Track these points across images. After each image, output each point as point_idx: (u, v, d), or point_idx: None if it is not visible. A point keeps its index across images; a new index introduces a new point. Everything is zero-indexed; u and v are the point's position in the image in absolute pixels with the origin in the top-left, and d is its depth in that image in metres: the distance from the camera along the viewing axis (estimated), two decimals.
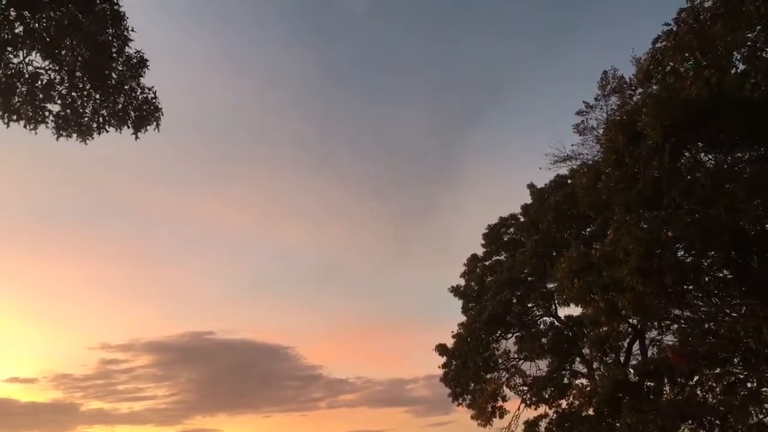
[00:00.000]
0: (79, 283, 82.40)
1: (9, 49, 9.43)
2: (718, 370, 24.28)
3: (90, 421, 65.88)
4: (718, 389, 24.96)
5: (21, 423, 61.81)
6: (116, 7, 9.66)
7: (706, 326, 22.86)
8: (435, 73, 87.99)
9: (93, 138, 9.96)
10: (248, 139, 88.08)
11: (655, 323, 27.37)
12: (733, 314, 21.17)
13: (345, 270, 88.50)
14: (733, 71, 18.82)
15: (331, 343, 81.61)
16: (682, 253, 20.56)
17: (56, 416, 63.82)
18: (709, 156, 20.30)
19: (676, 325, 26.15)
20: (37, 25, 9.47)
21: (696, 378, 25.65)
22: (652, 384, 27.59)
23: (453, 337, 34.29)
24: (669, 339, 27.91)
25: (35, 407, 63.82)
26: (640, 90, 23.04)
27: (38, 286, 79.53)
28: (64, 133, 9.76)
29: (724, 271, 20.91)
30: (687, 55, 19.46)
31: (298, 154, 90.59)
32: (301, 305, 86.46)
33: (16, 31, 9.44)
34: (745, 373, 23.51)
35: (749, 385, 23.59)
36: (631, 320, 27.85)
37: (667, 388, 27.50)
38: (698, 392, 25.94)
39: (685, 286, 20.85)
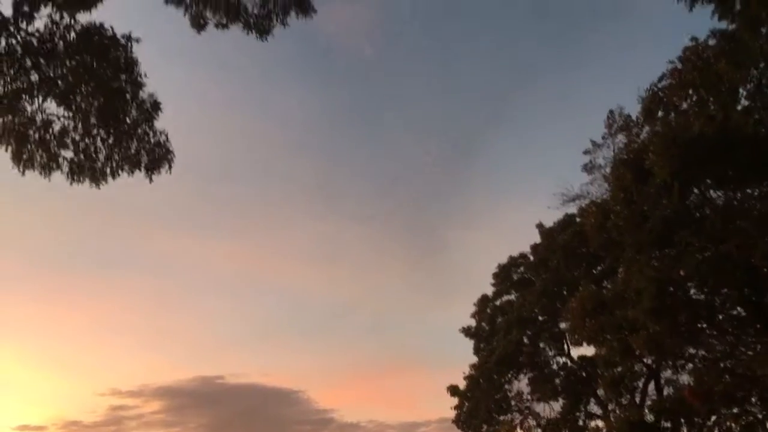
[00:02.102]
0: (88, 329, 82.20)
1: (24, 96, 9.63)
2: (735, 410, 23.84)
3: None
4: (736, 429, 24.48)
5: None
6: (130, 54, 9.88)
7: (722, 365, 22.54)
8: (441, 112, 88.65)
9: (106, 182, 10.11)
10: (256, 183, 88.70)
11: (670, 362, 27.03)
12: (749, 352, 20.90)
13: (355, 312, 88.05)
14: (737, 108, 18.95)
15: (342, 386, 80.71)
16: (694, 291, 20.42)
17: None
18: (718, 193, 20.30)
19: (691, 364, 25.80)
20: (52, 73, 9.69)
21: (713, 418, 25.17)
22: (668, 425, 27.09)
23: (465, 378, 33.92)
24: (684, 378, 27.53)
25: None
26: (646, 128, 23.17)
27: (48, 332, 79.43)
28: (78, 179, 9.92)
29: (738, 309, 20.73)
30: (690, 92, 19.64)
31: (306, 197, 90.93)
32: (312, 348, 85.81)
33: (32, 79, 9.66)
34: (764, 412, 23.08)
35: None
36: (645, 360, 27.50)
37: (685, 429, 26.99)
38: None
39: (698, 325, 20.66)
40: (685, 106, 20.06)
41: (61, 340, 79.80)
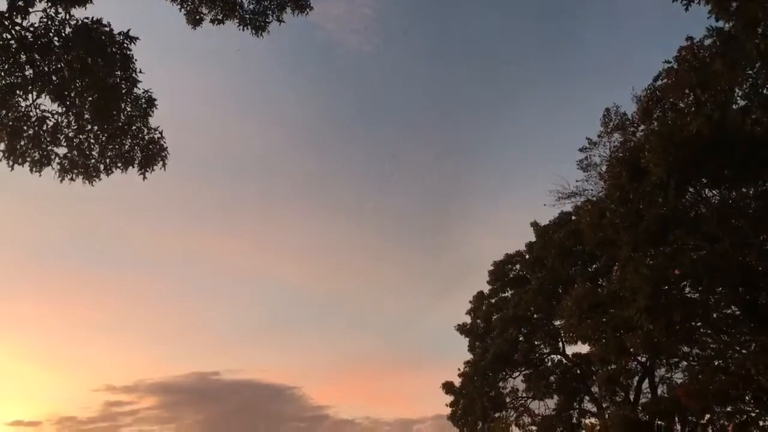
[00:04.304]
0: (83, 324, 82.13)
1: (18, 92, 9.56)
2: (729, 408, 23.90)
3: None
4: (729, 427, 24.54)
5: None
6: (125, 51, 9.82)
7: (716, 363, 22.58)
8: (439, 109, 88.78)
9: (99, 179, 10.04)
10: (254, 180, 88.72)
11: (665, 361, 27.09)
12: (743, 351, 20.92)
13: (351, 310, 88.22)
14: (733, 107, 18.94)
15: (337, 382, 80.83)
16: (689, 290, 20.44)
17: None
18: (714, 192, 20.31)
19: (685, 363, 25.87)
20: (47, 68, 9.62)
21: (707, 416, 25.25)
22: (662, 423, 27.18)
23: (459, 375, 33.97)
24: (678, 376, 27.62)
25: None
26: (642, 127, 23.17)
27: (43, 328, 79.32)
28: (69, 176, 9.84)
29: (732, 308, 20.75)
30: (687, 91, 19.62)
31: (304, 193, 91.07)
32: (307, 345, 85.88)
33: (26, 74, 9.59)
34: (757, 411, 23.13)
35: (761, 423, 23.20)
36: (640, 358, 27.56)
37: (679, 427, 27.09)
38: (709, 430, 25.53)
39: (693, 324, 20.67)
40: (681, 105, 20.05)
41: (55, 336, 79.76)
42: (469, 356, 34.40)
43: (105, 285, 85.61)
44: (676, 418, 26.91)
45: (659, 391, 29.14)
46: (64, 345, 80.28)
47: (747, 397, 22.83)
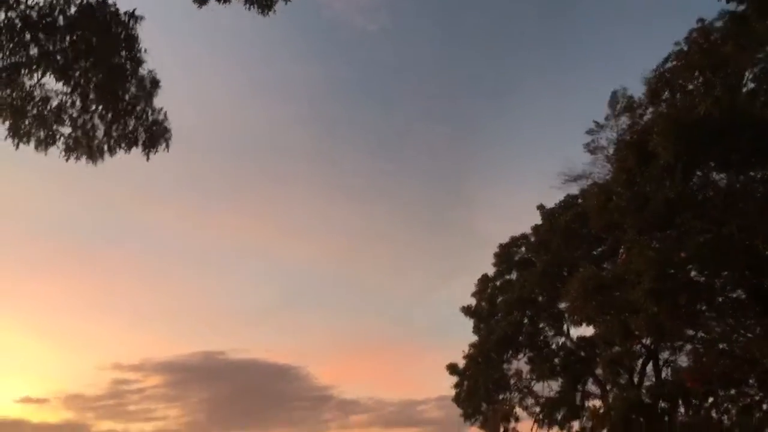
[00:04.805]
0: (90, 302, 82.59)
1: (23, 71, 9.54)
2: (733, 391, 23.98)
3: None
4: (733, 411, 24.63)
5: None
6: (130, 30, 9.77)
7: (721, 347, 22.61)
8: (445, 90, 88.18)
9: (103, 160, 10.06)
10: (260, 157, 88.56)
11: (669, 344, 27.13)
12: (748, 334, 20.94)
13: (356, 289, 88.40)
14: (743, 91, 18.79)
15: (342, 363, 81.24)
16: (694, 273, 20.42)
17: None
18: (721, 175, 20.21)
19: (689, 346, 25.89)
20: (51, 48, 9.58)
21: (711, 399, 25.31)
22: (666, 405, 27.26)
23: (464, 357, 34.08)
24: (683, 359, 27.64)
25: (47, 428, 63.71)
26: (650, 109, 23.03)
27: (51, 305, 79.82)
28: (74, 155, 9.87)
29: (738, 291, 20.74)
30: (696, 74, 19.47)
31: (308, 171, 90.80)
32: (313, 325, 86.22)
33: (31, 53, 9.56)
34: (761, 394, 23.20)
35: (765, 406, 23.28)
36: (644, 341, 27.59)
37: (682, 409, 27.16)
38: (713, 414, 25.60)
39: (698, 307, 20.67)
40: (690, 87, 19.90)
41: (63, 314, 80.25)
42: (473, 338, 34.50)
43: (112, 263, 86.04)
44: (680, 401, 26.96)
45: (663, 374, 29.18)
46: (71, 323, 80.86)
47: (751, 381, 22.90)
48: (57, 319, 78.67)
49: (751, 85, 18.69)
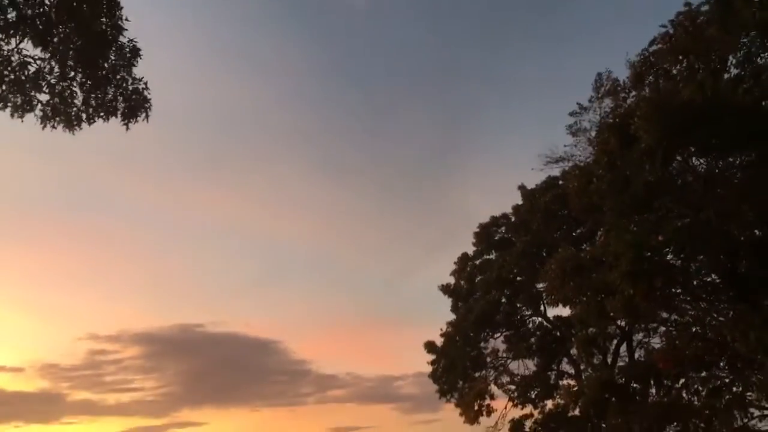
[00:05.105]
0: (68, 273, 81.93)
1: (1, 36, 9.29)
2: (704, 374, 24.40)
3: (76, 411, 65.54)
4: (703, 392, 25.08)
5: (6, 412, 61.36)
6: None
7: (694, 330, 22.97)
8: (433, 69, 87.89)
9: (81, 128, 9.87)
10: (242, 133, 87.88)
11: (643, 325, 27.51)
12: (721, 318, 21.26)
13: (336, 266, 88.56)
14: (726, 76, 18.88)
15: (320, 338, 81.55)
16: (671, 257, 20.64)
17: (42, 406, 63.44)
18: (701, 160, 20.37)
19: (663, 328, 26.28)
20: (30, 12, 9.34)
21: (682, 381, 25.75)
22: (638, 386, 27.71)
23: (441, 335, 34.31)
24: (656, 341, 28.06)
25: (21, 396, 63.43)
26: (633, 93, 23.08)
27: (27, 276, 79.02)
28: (51, 123, 9.67)
29: (713, 276, 21.01)
30: (681, 58, 19.52)
31: (294, 148, 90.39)
32: (292, 300, 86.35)
33: (9, 17, 9.31)
34: (731, 377, 23.64)
35: (734, 389, 23.72)
36: (619, 322, 27.96)
37: (654, 390, 27.62)
38: (684, 395, 26.07)
39: (673, 290, 20.93)
40: (674, 71, 19.95)
41: (40, 284, 79.53)
42: (451, 317, 34.73)
43: (89, 234, 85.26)
44: (652, 382, 27.42)
45: (636, 355, 29.65)
46: (47, 293, 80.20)
47: (722, 364, 23.32)
48: (33, 289, 77.93)
49: (735, 71, 18.79)
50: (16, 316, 71.48)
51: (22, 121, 9.48)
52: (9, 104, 9.36)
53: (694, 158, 20.27)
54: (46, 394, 63.51)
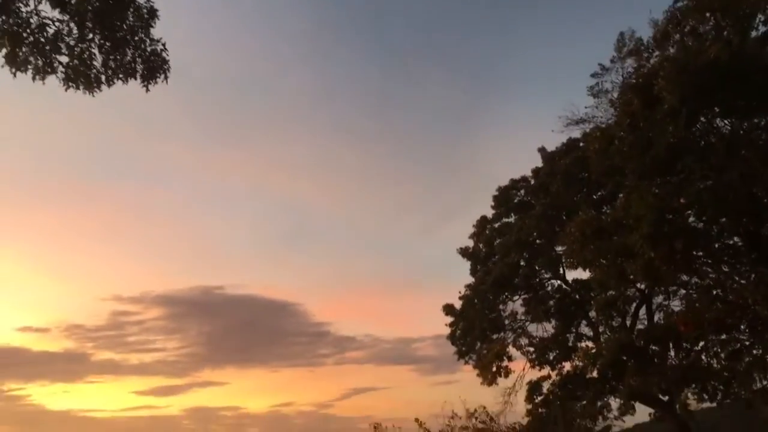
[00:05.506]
0: (91, 236, 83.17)
1: None
2: (724, 336, 24.35)
3: (100, 370, 67.16)
4: (723, 355, 25.07)
5: (33, 371, 63.03)
6: None
7: (714, 292, 22.84)
8: (452, 28, 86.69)
9: (101, 91, 9.90)
10: (259, 95, 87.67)
11: (663, 288, 27.40)
12: (742, 281, 21.14)
13: (356, 229, 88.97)
14: (753, 34, 18.43)
15: (339, 301, 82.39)
16: (693, 219, 20.45)
17: (68, 365, 65.04)
18: (725, 121, 20.01)
19: (683, 291, 26.17)
20: None
21: (701, 343, 25.73)
22: (657, 348, 27.73)
23: (460, 298, 34.45)
24: (676, 304, 27.98)
25: (47, 356, 65.04)
26: (657, 53, 22.61)
27: (51, 238, 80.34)
28: (72, 85, 9.70)
29: (735, 238, 20.82)
30: (708, 15, 19.04)
31: (310, 109, 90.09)
32: (311, 263, 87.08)
33: None
34: (751, 339, 23.58)
35: (755, 351, 23.69)
36: (639, 285, 27.87)
37: (672, 353, 27.64)
38: (703, 357, 26.08)
39: (694, 253, 20.78)
40: (700, 30, 19.48)
41: (63, 246, 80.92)
42: (470, 280, 34.81)
43: (112, 196, 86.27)
44: (671, 344, 27.42)
45: (656, 318, 29.60)
46: (71, 255, 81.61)
47: (742, 326, 23.24)
48: (58, 251, 79.25)
49: (763, 29, 18.32)
50: (41, 278, 72.88)
51: (44, 84, 9.54)
52: (30, 67, 9.40)
53: (718, 119, 19.92)
54: (71, 354, 65.07)
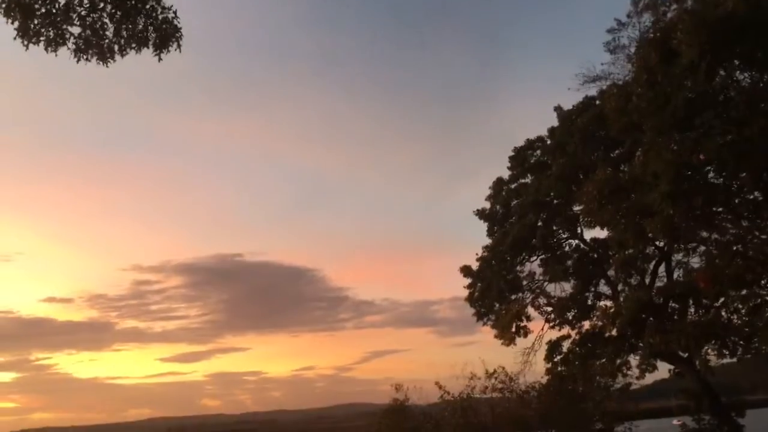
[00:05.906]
0: (111, 208, 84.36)
1: None
2: (744, 292, 24.24)
3: (125, 339, 68.79)
4: (743, 311, 25.01)
5: (59, 341, 64.68)
6: None
7: (734, 248, 22.68)
8: None
9: (114, 61, 9.87)
10: (273, 61, 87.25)
11: (682, 245, 27.27)
12: (763, 236, 20.97)
13: (372, 193, 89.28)
14: None
15: (357, 266, 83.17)
16: (712, 175, 20.24)
17: (93, 334, 66.49)
18: (745, 74, 19.63)
19: (703, 247, 26.02)
20: None
21: (721, 300, 25.66)
22: (676, 306, 27.73)
23: (477, 260, 34.51)
24: (695, 261, 27.86)
25: (72, 326, 66.68)
26: (674, 6, 22.13)
27: (71, 210, 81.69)
28: (85, 56, 9.69)
29: (755, 193, 20.59)
30: None
31: (323, 75, 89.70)
32: (327, 228, 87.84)
33: None
34: None
35: None
36: (657, 242, 27.75)
37: (692, 309, 27.62)
38: (723, 313, 26.04)
39: (714, 209, 20.62)
40: None
41: (85, 218, 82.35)
42: (487, 241, 34.78)
43: (130, 168, 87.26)
44: (690, 301, 27.40)
45: (675, 276, 29.54)
46: (93, 227, 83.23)
47: (763, 282, 23.10)
48: (78, 223, 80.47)
49: None
50: (61, 249, 74.29)
51: (56, 55, 9.54)
52: (42, 38, 9.38)
53: (737, 72, 19.55)
54: (95, 323, 66.59)
